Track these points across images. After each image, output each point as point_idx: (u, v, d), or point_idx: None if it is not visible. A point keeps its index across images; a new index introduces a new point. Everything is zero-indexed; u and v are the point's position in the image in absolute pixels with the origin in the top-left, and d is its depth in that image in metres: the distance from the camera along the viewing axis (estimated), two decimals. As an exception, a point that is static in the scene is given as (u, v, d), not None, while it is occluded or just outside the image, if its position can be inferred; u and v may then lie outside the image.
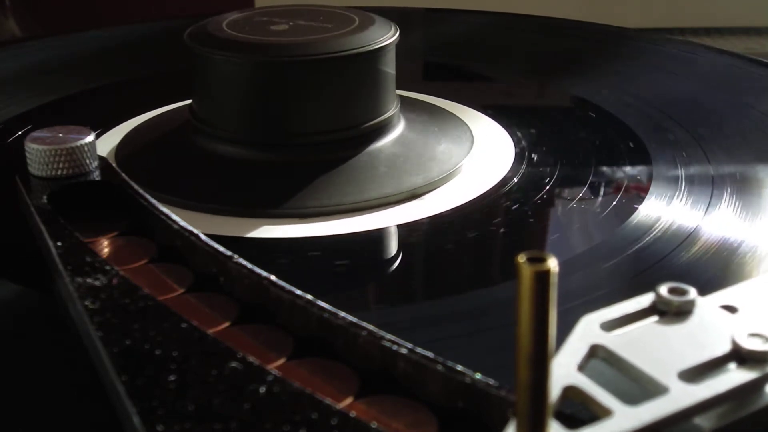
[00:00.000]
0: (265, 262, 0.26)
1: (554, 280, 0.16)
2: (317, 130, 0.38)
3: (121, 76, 0.54)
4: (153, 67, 0.56)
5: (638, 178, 0.38)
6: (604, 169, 0.39)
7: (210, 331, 0.23)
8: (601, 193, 0.37)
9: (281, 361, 0.23)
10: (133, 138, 0.43)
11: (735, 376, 0.20)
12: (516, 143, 0.41)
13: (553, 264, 0.16)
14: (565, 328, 0.21)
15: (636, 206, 0.35)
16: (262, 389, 0.20)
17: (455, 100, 0.47)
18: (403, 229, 0.34)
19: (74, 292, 0.24)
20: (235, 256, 0.26)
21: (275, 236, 0.33)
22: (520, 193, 0.37)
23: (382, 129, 0.39)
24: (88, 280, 0.25)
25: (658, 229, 0.33)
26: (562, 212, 0.36)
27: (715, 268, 0.30)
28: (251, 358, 0.21)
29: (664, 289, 0.22)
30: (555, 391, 0.19)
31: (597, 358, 0.21)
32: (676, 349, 0.20)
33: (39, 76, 0.54)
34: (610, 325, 0.21)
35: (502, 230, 0.34)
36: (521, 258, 0.16)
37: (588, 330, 0.21)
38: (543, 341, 0.16)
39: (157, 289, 0.26)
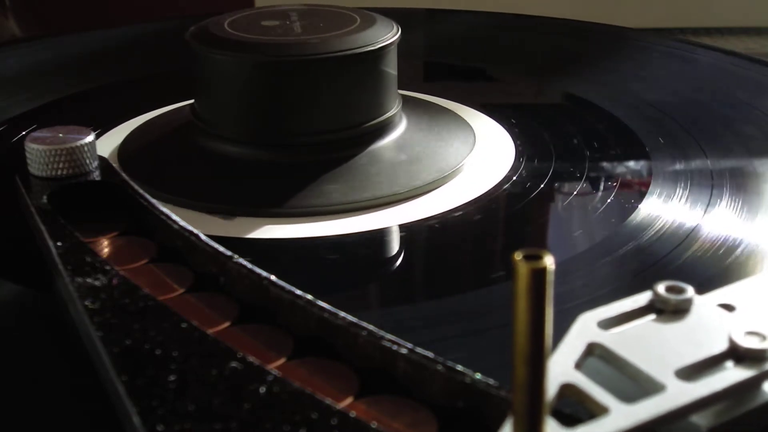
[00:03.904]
0: (266, 262, 0.26)
1: (551, 278, 0.16)
2: (319, 129, 0.38)
3: (121, 76, 0.54)
4: (153, 67, 0.56)
5: (638, 177, 0.38)
6: (604, 168, 0.39)
7: (210, 331, 0.23)
8: (601, 192, 0.37)
9: (281, 361, 0.23)
10: (136, 138, 0.43)
11: (732, 374, 0.20)
12: (516, 143, 0.42)
13: (549, 261, 0.16)
14: (564, 328, 0.21)
15: (636, 205, 0.35)
16: (262, 389, 0.20)
17: (455, 99, 0.47)
18: (403, 228, 0.34)
19: (74, 292, 0.24)
20: (235, 256, 0.26)
21: (276, 236, 0.33)
22: (519, 193, 0.37)
23: (383, 129, 0.39)
24: (88, 280, 0.25)
25: (657, 228, 0.33)
26: (562, 211, 0.36)
27: (715, 267, 0.31)
28: (251, 358, 0.21)
29: (661, 288, 0.22)
30: (552, 388, 0.19)
31: (594, 356, 0.21)
32: (673, 347, 0.20)
33: (39, 76, 0.54)
34: (607, 323, 0.21)
35: (502, 230, 0.35)
36: (518, 255, 0.16)
37: (585, 328, 0.21)
38: (539, 338, 0.16)
39: (157, 289, 0.26)
